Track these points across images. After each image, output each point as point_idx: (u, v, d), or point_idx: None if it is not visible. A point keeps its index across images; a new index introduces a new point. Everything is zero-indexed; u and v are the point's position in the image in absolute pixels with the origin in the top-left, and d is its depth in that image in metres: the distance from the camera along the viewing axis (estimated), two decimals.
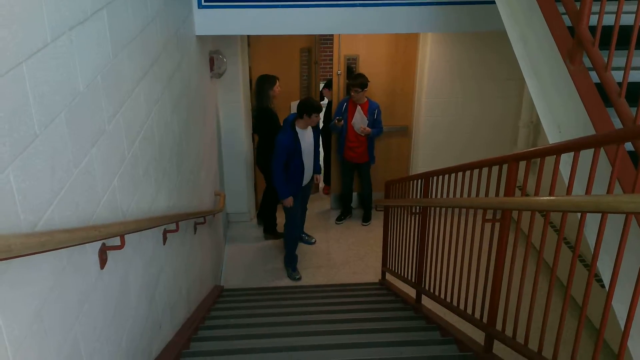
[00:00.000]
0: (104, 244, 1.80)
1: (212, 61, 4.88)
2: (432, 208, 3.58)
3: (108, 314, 1.85)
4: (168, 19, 2.96)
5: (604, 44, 1.98)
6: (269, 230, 6.15)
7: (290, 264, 5.51)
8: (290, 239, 5.40)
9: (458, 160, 3.18)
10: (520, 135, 6.02)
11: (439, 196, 3.43)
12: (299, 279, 5.43)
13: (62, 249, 1.38)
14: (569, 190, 1.84)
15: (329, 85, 6.64)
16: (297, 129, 4.84)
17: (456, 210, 3.08)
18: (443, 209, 3.33)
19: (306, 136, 4.93)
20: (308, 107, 4.74)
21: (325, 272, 5.58)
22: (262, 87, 5.60)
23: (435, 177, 3.49)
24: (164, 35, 2.84)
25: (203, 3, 4.00)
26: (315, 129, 5.07)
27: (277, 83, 5.61)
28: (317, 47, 7.38)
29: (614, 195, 1.52)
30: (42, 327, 1.33)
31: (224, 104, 5.80)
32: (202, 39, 4.24)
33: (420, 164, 6.26)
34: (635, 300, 1.49)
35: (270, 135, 5.42)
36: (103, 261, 1.79)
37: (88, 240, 1.52)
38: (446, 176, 3.27)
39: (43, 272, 1.35)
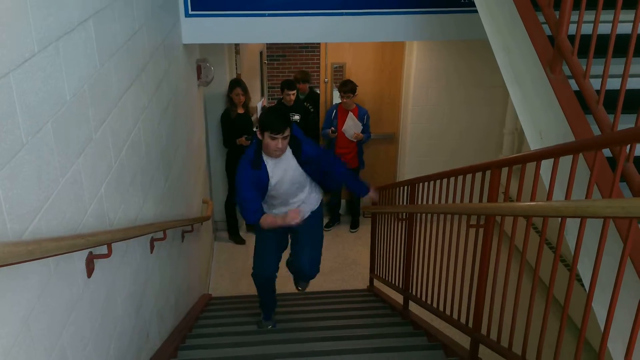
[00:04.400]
0: (90, 253, 1.81)
1: (199, 69, 4.89)
2: (418, 214, 3.62)
3: (95, 323, 1.85)
4: (155, 28, 2.98)
5: (583, 52, 2.03)
6: (232, 232, 6.24)
7: (262, 308, 3.76)
8: (257, 282, 3.53)
9: (445, 167, 3.21)
10: (505, 142, 6.10)
11: (424, 202, 3.47)
12: (271, 327, 3.75)
13: (49, 258, 1.39)
14: (549, 196, 1.88)
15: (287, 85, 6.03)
16: (265, 158, 3.03)
17: (442, 216, 3.11)
18: (429, 215, 3.36)
19: (283, 166, 3.08)
20: (260, 123, 3.00)
21: (314, 279, 5.58)
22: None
23: (421, 184, 3.53)
24: (151, 44, 2.85)
25: (190, 12, 4.02)
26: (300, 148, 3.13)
27: (237, 89, 5.53)
28: (265, 47, 7.61)
29: (592, 200, 1.56)
30: (29, 336, 1.34)
31: (211, 112, 5.81)
32: (189, 47, 4.26)
33: (408, 170, 6.31)
34: (614, 302, 1.52)
35: (225, 139, 5.71)
36: (90, 270, 1.79)
37: (75, 249, 1.53)
38: (431, 183, 3.31)
39: (30, 280, 1.36)
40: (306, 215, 3.28)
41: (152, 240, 2.70)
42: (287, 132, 2.89)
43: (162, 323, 2.96)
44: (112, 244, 1.90)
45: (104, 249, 1.87)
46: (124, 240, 2.07)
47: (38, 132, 1.41)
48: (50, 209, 1.48)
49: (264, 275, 3.43)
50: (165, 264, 3.13)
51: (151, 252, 2.70)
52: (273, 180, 3.06)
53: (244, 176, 3.01)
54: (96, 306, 1.87)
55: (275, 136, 2.87)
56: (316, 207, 3.40)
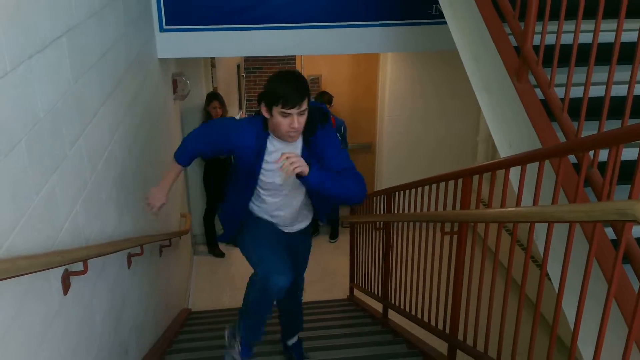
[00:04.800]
0: (66, 270, 1.80)
1: (175, 83, 4.90)
2: (395, 223, 3.66)
3: (72, 341, 1.84)
4: (129, 43, 2.98)
5: (548, 62, 2.10)
6: (211, 246, 6.21)
7: (246, 330, 2.63)
8: (261, 293, 2.44)
9: (423, 175, 3.26)
10: (479, 150, 6.20)
11: (401, 211, 3.52)
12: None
13: (25, 276, 1.39)
14: (518, 201, 1.93)
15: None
16: (272, 137, 2.25)
17: (417, 225, 3.16)
18: (406, 224, 3.41)
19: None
20: (266, 93, 2.14)
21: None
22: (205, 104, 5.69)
23: (397, 193, 3.58)
24: (126, 59, 2.86)
25: (164, 27, 4.03)
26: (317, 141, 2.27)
27: (214, 103, 5.53)
28: (242, 60, 7.71)
29: (557, 205, 1.61)
30: (6, 355, 1.33)
31: (188, 125, 5.80)
32: (164, 61, 4.26)
33: (385, 179, 6.37)
34: (581, 303, 1.57)
35: None
36: (66, 287, 1.78)
37: (50, 266, 1.52)
38: (407, 192, 3.36)
39: (6, 299, 1.35)
40: (296, 228, 2.58)
41: (129, 256, 2.69)
42: (304, 105, 2.07)
43: (141, 339, 2.94)
44: (88, 261, 1.90)
45: (80, 266, 1.86)
46: (100, 256, 2.06)
47: (12, 150, 1.41)
48: (25, 227, 1.47)
49: (279, 280, 2.21)
50: (143, 280, 3.11)
51: (128, 268, 2.69)
52: (268, 165, 2.26)
53: (218, 127, 2.43)
54: (73, 323, 1.86)
55: (289, 111, 2.05)
56: (309, 223, 2.66)
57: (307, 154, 2.22)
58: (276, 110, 2.07)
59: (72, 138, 1.91)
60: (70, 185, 1.86)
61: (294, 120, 2.07)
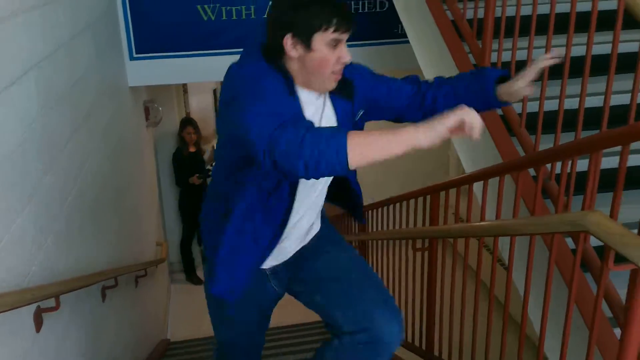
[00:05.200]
0: (39, 307, 1.78)
1: (147, 110, 4.90)
2: (370, 241, 3.70)
3: None
4: (99, 73, 3.00)
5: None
6: (189, 273, 6.18)
7: None
8: None
9: (400, 192, 3.28)
10: (450, 165, 6.30)
11: (375, 229, 3.56)
12: None
13: None
14: (482, 215, 1.99)
15: None
16: (300, 89, 1.48)
17: (391, 242, 3.20)
18: (380, 242, 3.45)
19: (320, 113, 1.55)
20: (297, 15, 1.36)
21: (275, 312, 5.54)
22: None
23: (370, 211, 3.63)
24: (96, 89, 2.87)
25: (134, 55, 4.05)
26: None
27: (189, 128, 5.56)
28: (219, 85, 7.79)
29: (517, 219, 1.67)
30: None
31: (162, 151, 5.80)
32: (135, 89, 4.27)
33: (364, 197, 6.40)
34: (545, 311, 1.62)
35: (178, 178, 5.72)
36: (39, 324, 1.77)
37: (21, 304, 1.52)
38: (379, 210, 3.41)
39: None
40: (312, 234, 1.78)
41: (104, 288, 2.66)
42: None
43: None
44: (62, 296, 1.88)
45: (52, 302, 1.85)
46: (73, 291, 2.05)
47: None
48: None
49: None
50: (119, 312, 3.08)
51: (103, 301, 2.66)
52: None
53: (271, 92, 1.37)
54: None
55: (341, 36, 1.39)
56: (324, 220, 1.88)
57: (338, 108, 1.58)
58: (321, 39, 1.37)
59: (42, 171, 1.91)
60: (41, 220, 1.85)
61: (344, 49, 1.42)
